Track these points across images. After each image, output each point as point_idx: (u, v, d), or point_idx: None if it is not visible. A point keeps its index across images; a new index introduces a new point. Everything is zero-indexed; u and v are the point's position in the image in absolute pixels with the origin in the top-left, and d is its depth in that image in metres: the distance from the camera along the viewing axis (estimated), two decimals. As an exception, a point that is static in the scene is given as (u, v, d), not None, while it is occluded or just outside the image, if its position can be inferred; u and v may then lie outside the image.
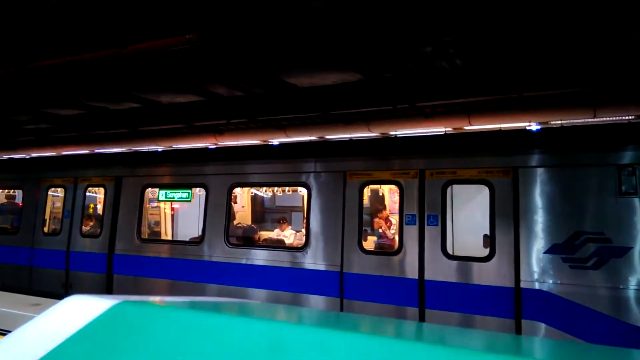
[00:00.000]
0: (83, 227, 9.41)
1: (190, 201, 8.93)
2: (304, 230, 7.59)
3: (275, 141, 8.91)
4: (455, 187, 6.46)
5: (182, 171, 8.67)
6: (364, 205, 7.22)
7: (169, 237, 10.51)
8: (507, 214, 5.90)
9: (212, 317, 1.30)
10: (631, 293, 5.26)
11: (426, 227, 6.32)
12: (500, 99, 6.81)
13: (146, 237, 9.02)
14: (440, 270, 6.16)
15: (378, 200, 9.05)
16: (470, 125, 6.99)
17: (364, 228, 6.99)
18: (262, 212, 11.72)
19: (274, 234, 9.34)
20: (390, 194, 9.01)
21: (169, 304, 1.49)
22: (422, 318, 6.19)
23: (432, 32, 5.31)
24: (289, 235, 9.00)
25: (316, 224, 7.14)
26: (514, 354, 1.28)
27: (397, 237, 6.80)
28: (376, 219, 8.13)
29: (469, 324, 5.92)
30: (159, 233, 10.48)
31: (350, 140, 8.01)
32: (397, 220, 6.91)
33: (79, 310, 1.34)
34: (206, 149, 9.45)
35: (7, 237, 10.47)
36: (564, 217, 5.67)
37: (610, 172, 5.53)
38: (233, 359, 1.07)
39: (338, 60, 6.19)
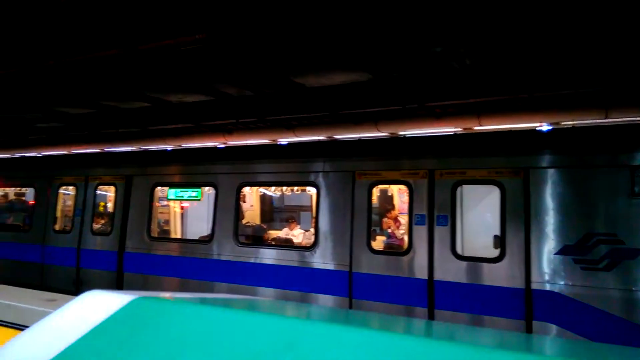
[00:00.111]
0: (94, 225, 9.50)
1: (199, 200, 8.97)
2: (312, 230, 7.59)
3: (284, 141, 8.92)
4: (465, 187, 6.42)
5: (191, 170, 8.72)
6: (373, 205, 7.21)
7: (179, 236, 10.57)
8: (518, 215, 5.87)
9: (228, 312, 1.32)
10: (643, 295, 5.20)
11: (435, 227, 6.29)
12: (511, 99, 6.76)
13: (156, 235, 9.09)
14: (449, 271, 6.14)
15: (387, 200, 9.04)
16: (481, 125, 6.94)
17: (372, 228, 6.99)
18: (271, 212, 11.75)
19: (283, 233, 9.36)
20: (399, 194, 8.99)
21: (184, 300, 1.51)
22: (431, 318, 6.18)
23: (442, 31, 5.28)
24: (297, 235, 9.01)
25: (325, 224, 7.14)
26: (525, 351, 1.28)
27: (406, 237, 6.79)
28: (385, 219, 8.12)
29: (478, 324, 5.89)
30: (168, 231, 10.55)
31: (359, 140, 8.00)
32: (406, 220, 6.90)
33: (98, 305, 1.36)
34: (215, 148, 9.49)
35: (19, 234, 10.60)
36: (576, 218, 5.62)
37: (623, 174, 5.48)
38: (248, 354, 1.08)
39: (347, 60, 6.18)
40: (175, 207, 10.78)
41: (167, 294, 1.68)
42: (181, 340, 1.17)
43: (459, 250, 6.22)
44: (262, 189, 10.78)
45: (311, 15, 5.00)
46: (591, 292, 5.42)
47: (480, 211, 6.78)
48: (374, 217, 7.49)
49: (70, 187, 10.17)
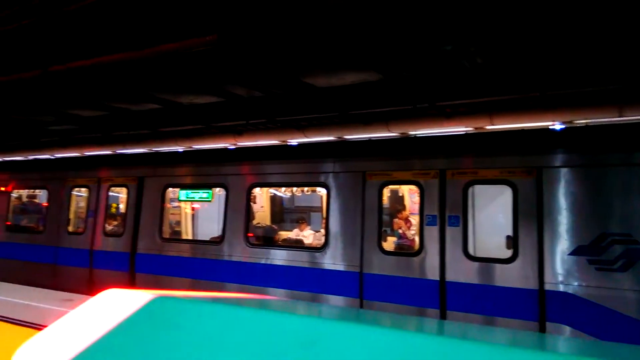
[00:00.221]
0: (106, 226, 9.58)
1: (210, 201, 9.01)
2: (323, 231, 7.59)
3: (294, 141, 8.92)
4: (477, 187, 6.37)
5: (202, 171, 8.76)
6: (384, 206, 7.18)
7: (190, 237, 10.63)
8: (531, 215, 5.81)
9: (247, 311, 1.33)
10: (660, 296, 5.12)
11: (447, 227, 6.25)
12: (523, 98, 6.69)
13: (167, 236, 9.14)
14: (461, 272, 6.09)
15: (397, 201, 9.00)
16: (492, 124, 6.87)
17: (383, 228, 6.96)
18: (281, 213, 11.77)
19: (293, 234, 9.36)
20: (410, 194, 8.95)
21: (203, 299, 1.52)
22: (442, 320, 6.13)
23: (453, 30, 5.25)
24: (308, 236, 9.01)
25: (335, 224, 7.13)
26: (539, 348, 1.26)
27: (417, 238, 6.75)
28: (396, 220, 8.09)
29: (491, 326, 5.84)
30: (180, 233, 10.61)
31: (370, 141, 7.97)
32: (417, 220, 6.86)
33: (118, 304, 1.37)
34: (226, 149, 9.53)
35: (32, 235, 10.73)
36: (590, 218, 5.55)
37: (637, 172, 5.39)
38: (268, 352, 1.09)
39: (357, 59, 6.17)
40: (187, 208, 10.84)
41: (183, 293, 1.69)
42: (202, 338, 1.18)
43: (470, 250, 6.17)
44: (273, 190, 10.80)
45: (321, 14, 5.00)
46: (606, 293, 5.34)
47: (492, 211, 6.73)
48: (385, 217, 7.46)
49: (83, 189, 10.28)
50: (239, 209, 8.02)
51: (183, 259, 8.40)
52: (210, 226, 9.64)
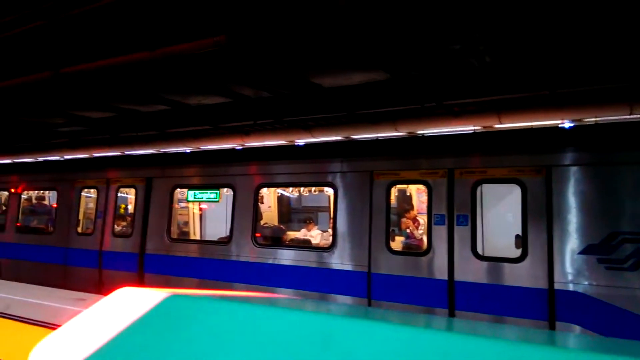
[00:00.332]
0: (115, 227, 9.64)
1: (218, 201, 9.04)
2: (330, 231, 7.58)
3: (301, 142, 8.94)
4: (486, 186, 6.34)
5: (210, 172, 8.79)
6: (391, 205, 7.17)
7: (198, 237, 10.67)
8: (540, 214, 5.76)
9: (262, 309, 1.33)
10: (672, 296, 5.07)
11: (455, 227, 6.22)
12: (532, 97, 6.66)
13: (176, 237, 9.19)
14: (470, 271, 6.06)
15: (405, 200, 8.97)
16: (501, 123, 6.85)
17: (391, 228, 6.94)
18: (289, 213, 11.78)
19: (301, 234, 9.37)
20: (417, 193, 8.92)
21: (217, 297, 1.52)
22: (451, 319, 6.11)
23: (462, 29, 5.23)
24: (315, 235, 9.02)
25: (343, 224, 7.13)
26: (550, 344, 1.26)
27: (425, 238, 6.73)
28: (404, 219, 8.07)
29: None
30: (187, 233, 10.66)
31: (377, 140, 7.96)
32: (425, 220, 6.84)
33: (132, 303, 1.38)
34: (233, 149, 9.56)
35: (42, 236, 10.83)
36: (600, 217, 5.50)
37: (648, 171, 5.35)
38: (284, 349, 1.09)
39: (365, 59, 6.16)
40: (194, 208, 10.88)
41: (197, 292, 1.70)
42: (218, 335, 1.19)
43: (479, 250, 6.14)
44: (280, 190, 10.81)
45: (329, 15, 5.00)
46: (616, 292, 5.30)
47: (501, 210, 6.69)
48: (393, 217, 7.44)
49: (92, 190, 10.35)
50: (246, 209, 8.04)
51: (191, 259, 8.43)
52: (218, 226, 9.67)
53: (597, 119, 6.74)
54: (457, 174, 6.37)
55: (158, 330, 1.26)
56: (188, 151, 10.17)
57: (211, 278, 8.11)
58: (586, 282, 5.45)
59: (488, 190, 6.45)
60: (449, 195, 6.37)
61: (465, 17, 4.95)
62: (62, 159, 12.10)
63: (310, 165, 7.74)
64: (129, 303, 1.38)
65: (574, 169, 5.72)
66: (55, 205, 11.10)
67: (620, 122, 6.59)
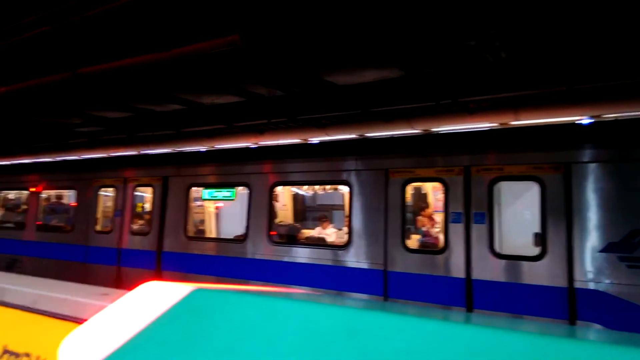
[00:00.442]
0: (133, 225, 9.78)
1: (233, 200, 9.11)
2: (345, 229, 7.58)
3: (315, 140, 8.94)
4: (503, 184, 6.28)
5: (225, 170, 8.86)
6: (407, 203, 7.14)
7: (214, 235, 10.76)
8: (559, 212, 5.69)
9: (286, 302, 1.35)
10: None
11: (472, 225, 6.18)
12: (549, 93, 6.55)
13: (192, 235, 9.28)
14: (488, 269, 6.01)
15: (421, 198, 8.93)
16: (518, 120, 6.75)
17: (407, 226, 6.91)
18: (304, 211, 11.81)
19: (316, 232, 9.39)
20: (433, 191, 8.87)
21: (242, 291, 1.54)
22: (468, 318, 6.06)
23: (477, 25, 5.18)
24: (330, 234, 9.02)
25: (358, 222, 7.12)
26: (568, 336, 1.24)
27: (442, 236, 6.69)
28: (419, 217, 8.03)
29: (518, 324, 5.75)
30: (204, 231, 10.75)
31: (392, 138, 7.93)
32: (441, 218, 6.80)
33: (158, 296, 1.40)
34: (248, 148, 9.61)
35: (62, 235, 11.03)
36: (621, 214, 5.41)
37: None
38: (310, 341, 1.10)
39: (379, 56, 6.14)
40: (210, 207, 10.97)
41: (221, 286, 1.73)
42: (243, 328, 1.20)
43: (497, 248, 6.08)
44: (295, 189, 10.84)
45: (343, 12, 4.99)
46: (638, 290, 5.21)
47: (519, 208, 6.61)
48: (408, 215, 7.41)
49: (110, 189, 10.50)
50: (261, 207, 8.09)
51: (207, 256, 8.51)
52: (234, 224, 9.75)
53: (617, 114, 6.61)
54: (473, 172, 6.32)
55: (184, 323, 1.28)
56: (203, 150, 10.25)
57: (227, 276, 8.17)
58: (607, 281, 5.37)
59: (505, 188, 6.38)
60: (465, 193, 6.32)
61: (480, 13, 4.89)
62: (80, 158, 12.30)
63: (325, 163, 7.75)
64: (155, 297, 1.41)
65: (593, 165, 5.63)
66: (74, 204, 11.29)
67: (641, 117, 6.45)
